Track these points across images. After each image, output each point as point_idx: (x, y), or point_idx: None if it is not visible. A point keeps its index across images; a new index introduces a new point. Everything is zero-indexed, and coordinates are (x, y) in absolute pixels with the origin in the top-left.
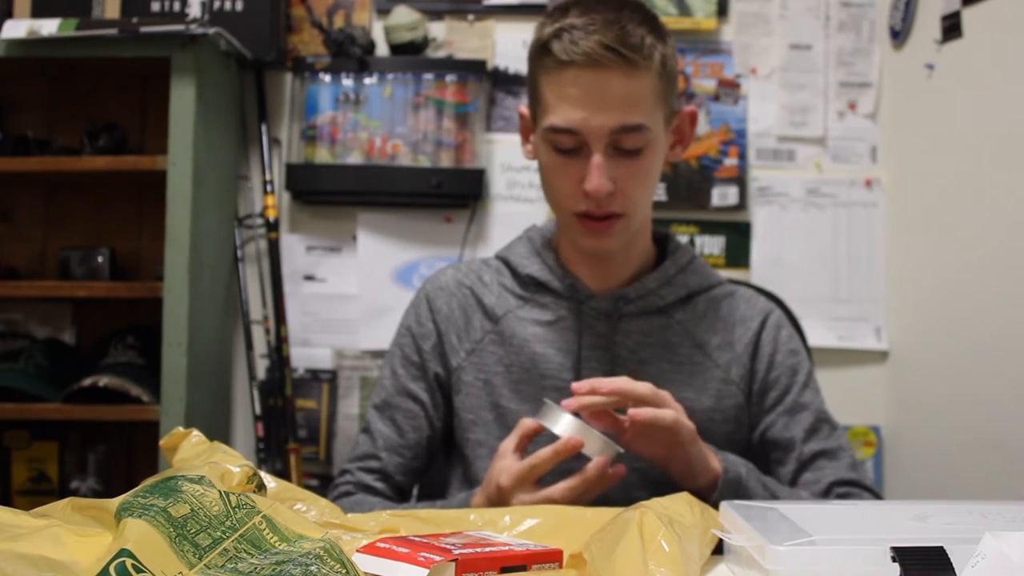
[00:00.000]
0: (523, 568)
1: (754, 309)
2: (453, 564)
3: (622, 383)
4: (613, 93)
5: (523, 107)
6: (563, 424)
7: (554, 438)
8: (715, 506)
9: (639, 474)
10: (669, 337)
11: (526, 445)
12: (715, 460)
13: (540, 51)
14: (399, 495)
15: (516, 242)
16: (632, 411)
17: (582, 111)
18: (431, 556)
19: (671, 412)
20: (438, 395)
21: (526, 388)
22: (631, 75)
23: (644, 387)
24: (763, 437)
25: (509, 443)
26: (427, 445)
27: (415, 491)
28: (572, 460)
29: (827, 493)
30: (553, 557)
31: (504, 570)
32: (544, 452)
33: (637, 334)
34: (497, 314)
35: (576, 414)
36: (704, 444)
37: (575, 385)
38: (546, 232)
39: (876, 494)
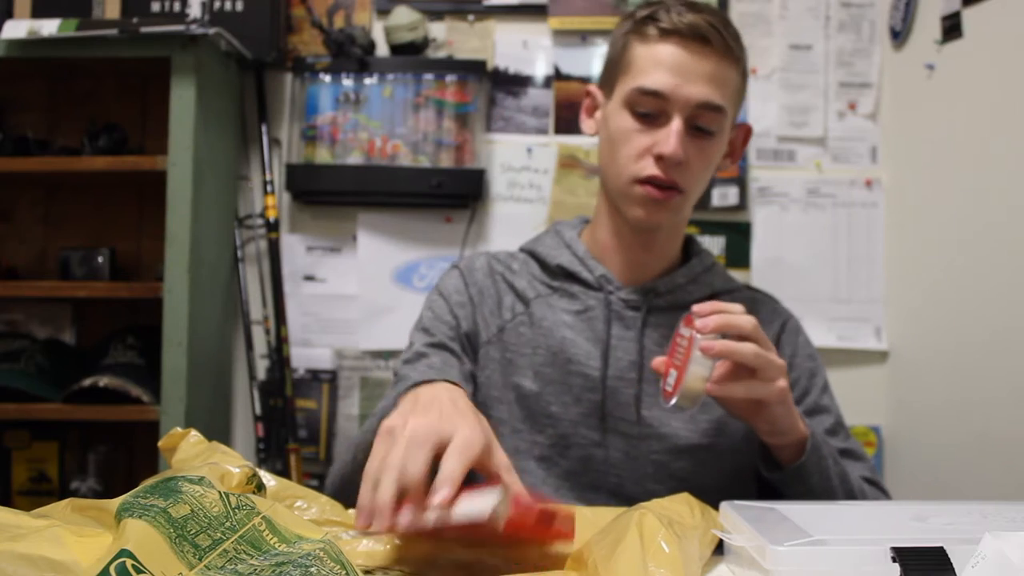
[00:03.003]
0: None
1: (773, 314)
2: (508, 492)
3: (728, 319)
4: (707, 68)
5: (592, 86)
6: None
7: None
8: (800, 469)
9: (657, 466)
10: None
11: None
12: (802, 423)
13: (641, 22)
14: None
15: (543, 235)
16: (706, 344)
17: (675, 78)
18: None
19: (750, 346)
20: (469, 356)
21: (549, 371)
22: (725, 58)
23: (747, 320)
24: None
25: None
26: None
27: None
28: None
29: None
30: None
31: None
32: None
33: (664, 328)
34: (528, 296)
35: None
36: (792, 405)
37: (697, 308)
38: (574, 227)
39: (889, 497)
